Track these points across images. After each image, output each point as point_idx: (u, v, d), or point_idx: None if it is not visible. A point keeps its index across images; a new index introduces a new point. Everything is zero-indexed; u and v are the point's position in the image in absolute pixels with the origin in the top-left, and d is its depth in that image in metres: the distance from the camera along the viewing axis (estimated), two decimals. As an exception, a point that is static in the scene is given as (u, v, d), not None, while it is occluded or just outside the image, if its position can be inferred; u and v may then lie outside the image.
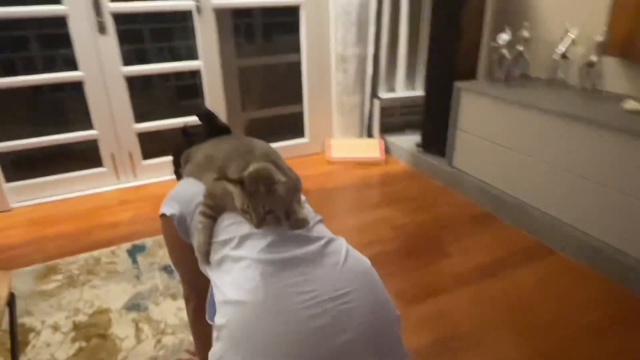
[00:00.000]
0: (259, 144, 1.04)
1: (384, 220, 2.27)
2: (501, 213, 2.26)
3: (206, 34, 2.66)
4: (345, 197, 2.57)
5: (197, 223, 0.97)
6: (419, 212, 2.34)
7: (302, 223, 0.92)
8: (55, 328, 1.58)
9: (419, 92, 3.21)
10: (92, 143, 2.67)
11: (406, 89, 3.24)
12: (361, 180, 2.78)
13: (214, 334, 0.83)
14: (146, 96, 3.05)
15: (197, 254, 0.96)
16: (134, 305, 1.68)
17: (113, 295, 1.75)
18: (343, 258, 0.89)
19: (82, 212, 2.44)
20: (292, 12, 2.93)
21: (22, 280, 1.85)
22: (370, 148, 3.09)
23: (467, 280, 1.79)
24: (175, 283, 1.80)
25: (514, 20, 2.55)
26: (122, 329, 1.57)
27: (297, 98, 3.13)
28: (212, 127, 1.16)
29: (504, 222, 2.23)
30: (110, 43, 2.49)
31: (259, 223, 0.87)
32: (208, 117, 1.17)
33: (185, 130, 1.21)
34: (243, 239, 0.89)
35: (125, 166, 2.76)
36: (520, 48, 2.34)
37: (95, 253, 2.03)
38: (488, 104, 2.30)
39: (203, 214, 0.97)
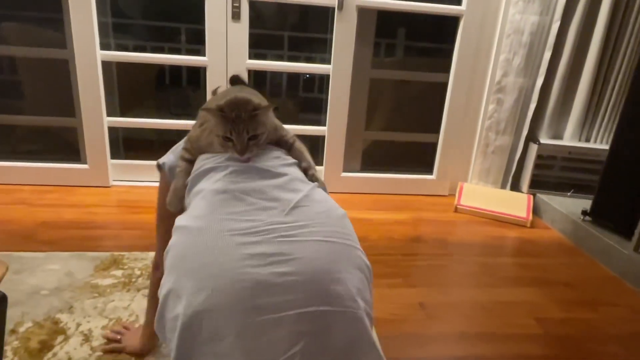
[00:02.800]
0: (249, 89, 0.99)
1: (523, 305, 1.63)
2: None
3: (343, 35, 2.33)
4: (470, 258, 1.97)
5: (177, 168, 0.97)
6: (578, 308, 1.65)
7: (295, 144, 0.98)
8: (87, 338, 1.30)
9: (596, 144, 2.47)
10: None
11: (577, 137, 2.52)
12: (495, 241, 2.15)
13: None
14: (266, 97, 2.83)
15: (173, 199, 0.95)
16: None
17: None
18: (305, 195, 0.83)
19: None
20: (446, 23, 2.46)
21: (82, 266, 1.65)
22: (512, 203, 2.43)
23: None
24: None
25: None
26: (152, 366, 1.22)
27: (433, 126, 2.62)
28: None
29: None
30: (241, 31, 2.29)
31: (243, 149, 0.87)
32: (238, 81, 1.11)
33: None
34: (207, 172, 0.88)
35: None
36: None
37: (165, 255, 1.76)
38: None
39: (181, 157, 0.98)
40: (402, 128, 2.70)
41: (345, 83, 2.41)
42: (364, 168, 2.70)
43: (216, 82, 2.36)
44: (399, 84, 2.65)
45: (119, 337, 1.28)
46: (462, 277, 1.81)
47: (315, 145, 2.72)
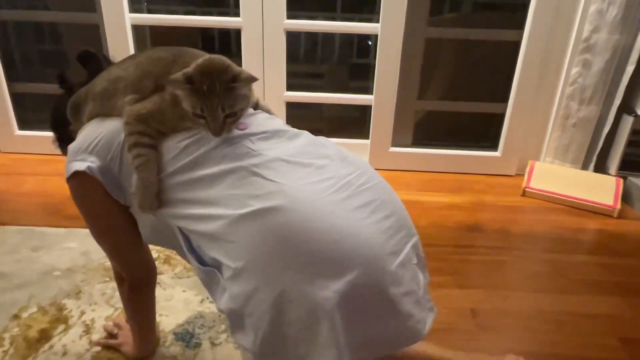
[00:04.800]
0: (196, 52, 0.80)
1: (604, 319, 1.31)
2: None
3: (395, -12, 2.00)
4: (538, 254, 1.65)
5: (132, 161, 0.75)
6: (679, 328, 1.30)
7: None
8: (87, 329, 1.19)
9: None
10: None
11: (688, 109, 2.03)
12: (571, 235, 1.79)
13: (227, 273, 0.66)
14: (310, 65, 2.58)
15: (141, 200, 0.75)
16: (185, 335, 1.19)
17: (173, 308, 1.28)
18: (332, 143, 0.80)
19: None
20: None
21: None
22: (596, 188, 2.03)
23: None
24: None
25: None
26: (150, 369, 1.08)
27: (500, 94, 2.24)
28: (99, 69, 0.90)
29: None
30: (277, -13, 2.04)
31: (218, 130, 0.71)
32: (91, 58, 0.93)
33: (63, 77, 0.95)
34: (205, 156, 0.73)
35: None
36: None
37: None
38: None
39: (137, 145, 0.75)
40: (462, 97, 2.33)
41: (396, 44, 2.09)
42: (416, 142, 2.39)
43: (251, 47, 2.15)
44: (460, 45, 2.27)
45: (116, 331, 1.15)
46: (526, 278, 1.50)
47: (362, 116, 2.44)
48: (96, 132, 0.81)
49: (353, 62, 2.48)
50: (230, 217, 0.66)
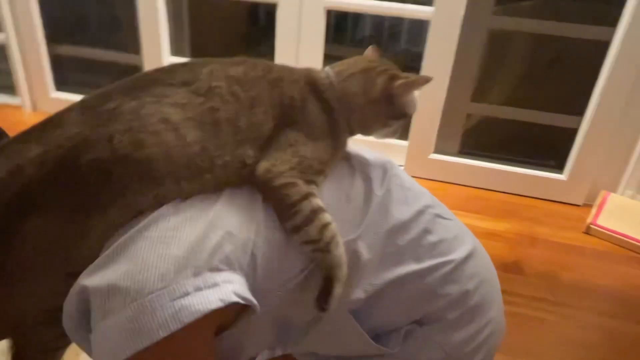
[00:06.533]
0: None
1: None
2: None
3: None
4: (594, 317, 1.29)
5: (320, 236, 0.53)
6: None
7: None
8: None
9: None
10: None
11: None
12: (642, 294, 1.40)
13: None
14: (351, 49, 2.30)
15: (337, 291, 0.54)
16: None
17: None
18: None
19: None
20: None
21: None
22: (688, 236, 1.59)
23: None
24: None
25: None
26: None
27: (576, 105, 1.83)
28: None
29: None
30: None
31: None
32: None
33: None
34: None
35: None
36: None
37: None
38: None
39: (316, 211, 0.54)
40: (527, 103, 1.95)
41: (451, 33, 1.76)
42: (463, 151, 2.04)
43: (286, 25, 1.92)
44: (533, 40, 1.88)
45: None
46: (567, 346, 1.17)
47: (404, 114, 2.14)
48: (198, 225, 0.49)
49: (402, 49, 2.17)
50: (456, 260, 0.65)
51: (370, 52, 0.73)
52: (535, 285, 1.39)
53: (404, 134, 1.97)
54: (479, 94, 1.95)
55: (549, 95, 1.93)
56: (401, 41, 2.12)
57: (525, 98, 1.96)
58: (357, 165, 0.66)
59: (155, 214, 0.49)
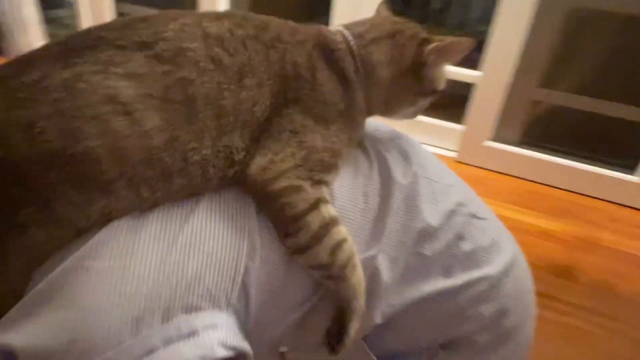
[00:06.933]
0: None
1: None
2: None
3: None
4: (650, 336, 1.17)
5: (331, 259, 0.40)
6: None
7: None
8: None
9: None
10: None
11: None
12: None
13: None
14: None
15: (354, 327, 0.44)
16: None
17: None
18: None
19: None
20: None
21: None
22: None
23: None
24: None
25: None
26: None
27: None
28: None
29: None
30: None
31: None
32: None
33: None
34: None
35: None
36: None
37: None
38: None
39: (328, 224, 0.40)
40: (604, 94, 1.76)
41: (524, 9, 1.60)
42: (524, 141, 1.89)
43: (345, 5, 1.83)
44: (622, 22, 1.67)
45: None
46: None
47: (462, 96, 2.00)
48: (166, 248, 0.37)
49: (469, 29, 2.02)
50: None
51: (381, 7, 0.59)
52: (586, 294, 1.27)
53: (458, 118, 1.87)
54: (549, 79, 1.78)
55: (629, 86, 1.72)
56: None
57: (601, 88, 1.76)
58: (372, 149, 0.53)
59: (102, 233, 0.35)
